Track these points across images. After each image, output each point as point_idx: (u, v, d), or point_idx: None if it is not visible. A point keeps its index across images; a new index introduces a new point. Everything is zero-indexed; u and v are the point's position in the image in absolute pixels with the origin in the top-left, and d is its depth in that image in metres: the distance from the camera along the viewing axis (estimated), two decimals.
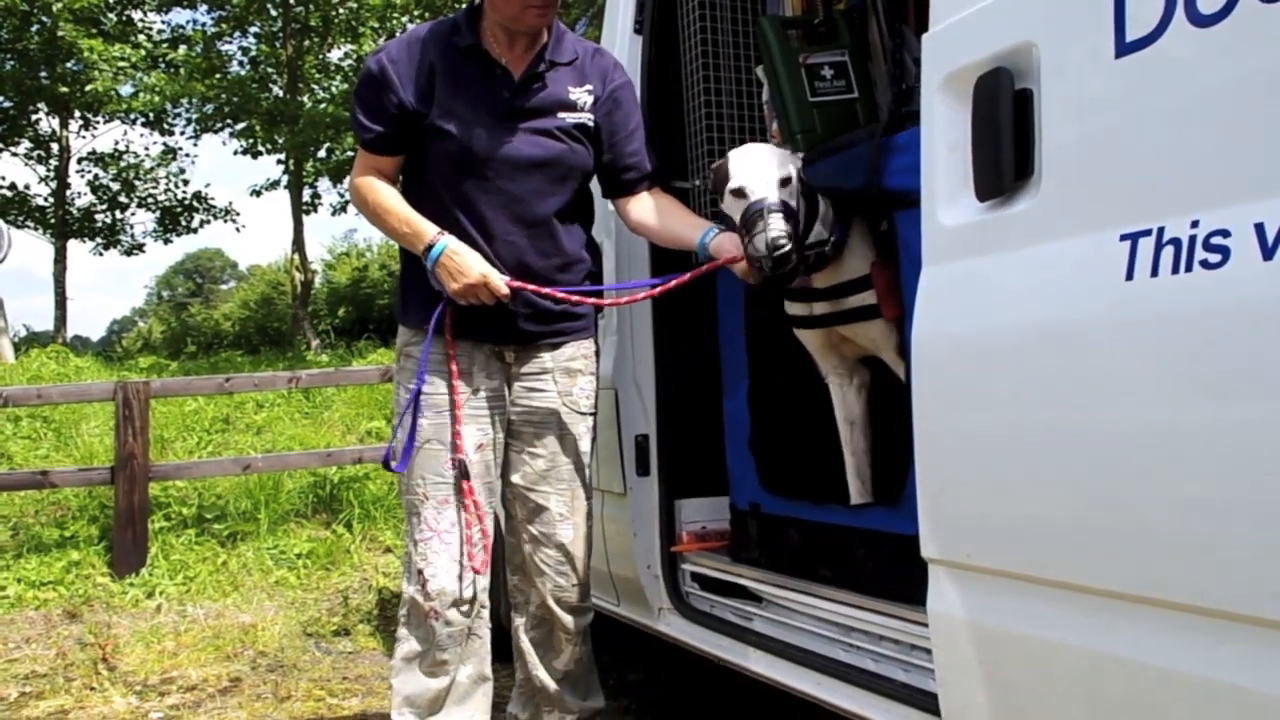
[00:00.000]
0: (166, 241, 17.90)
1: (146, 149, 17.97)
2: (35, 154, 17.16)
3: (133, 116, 15.49)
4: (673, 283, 2.07)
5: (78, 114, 16.79)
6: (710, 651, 2.29)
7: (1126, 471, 1.17)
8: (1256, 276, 1.03)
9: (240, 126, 15.60)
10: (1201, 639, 1.10)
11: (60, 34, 13.99)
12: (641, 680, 3.23)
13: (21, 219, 16.56)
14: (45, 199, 17.21)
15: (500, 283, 2.01)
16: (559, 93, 2.09)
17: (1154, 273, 1.13)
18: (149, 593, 4.49)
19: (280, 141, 15.19)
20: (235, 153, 15.98)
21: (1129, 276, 1.16)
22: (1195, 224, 1.10)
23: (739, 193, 1.91)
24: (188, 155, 23.65)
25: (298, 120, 14.52)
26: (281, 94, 15.58)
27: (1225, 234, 1.07)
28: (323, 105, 15.16)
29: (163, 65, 14.59)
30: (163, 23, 18.48)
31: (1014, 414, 1.33)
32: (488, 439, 2.13)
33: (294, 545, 5.00)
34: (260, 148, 15.55)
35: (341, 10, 14.94)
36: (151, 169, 17.61)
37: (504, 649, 2.37)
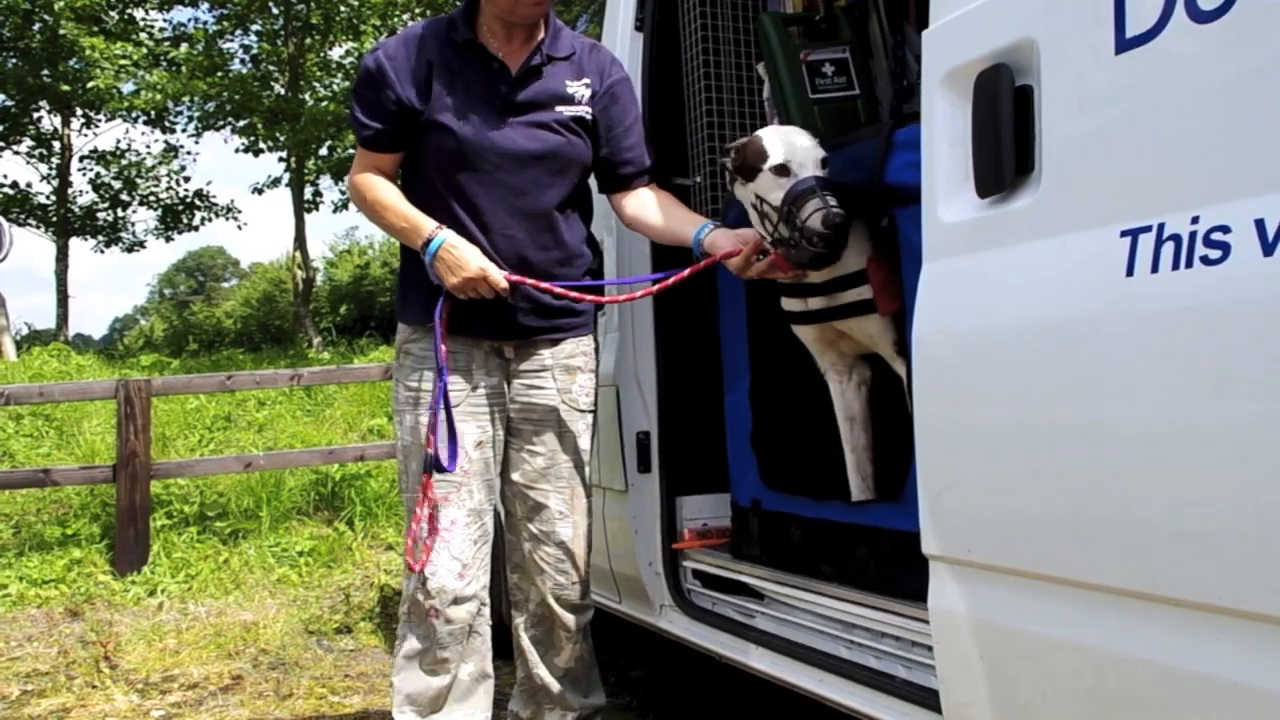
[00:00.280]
0: (168, 239, 17.95)
1: (148, 147, 18.12)
2: (37, 152, 17.22)
3: (134, 114, 15.48)
4: (671, 279, 2.07)
5: (79, 112, 16.83)
6: (712, 648, 2.29)
7: (1127, 467, 1.17)
8: (1257, 272, 1.04)
9: (242, 124, 15.61)
10: (1202, 634, 1.10)
11: (62, 32, 14.01)
12: (643, 677, 3.23)
13: (23, 217, 16.62)
14: (47, 197, 17.27)
15: (499, 276, 2.01)
16: (556, 86, 2.09)
17: (1154, 269, 1.13)
18: (151, 590, 4.50)
19: (282, 139, 15.22)
20: (237, 150, 16.05)
21: (1129, 272, 1.16)
22: (1195, 220, 1.10)
23: (781, 169, 1.87)
24: (189, 153, 23.76)
25: (299, 118, 14.54)
26: (283, 92, 15.60)
27: (1225, 230, 1.07)
28: (324, 103, 15.16)
29: (164, 63, 14.57)
30: (164, 21, 18.45)
31: (1015, 410, 1.33)
32: (487, 436, 2.13)
33: (296, 543, 5.01)
34: (262, 145, 15.58)
35: (343, 8, 14.93)
36: (153, 167, 17.67)
37: (505, 646, 2.37)
